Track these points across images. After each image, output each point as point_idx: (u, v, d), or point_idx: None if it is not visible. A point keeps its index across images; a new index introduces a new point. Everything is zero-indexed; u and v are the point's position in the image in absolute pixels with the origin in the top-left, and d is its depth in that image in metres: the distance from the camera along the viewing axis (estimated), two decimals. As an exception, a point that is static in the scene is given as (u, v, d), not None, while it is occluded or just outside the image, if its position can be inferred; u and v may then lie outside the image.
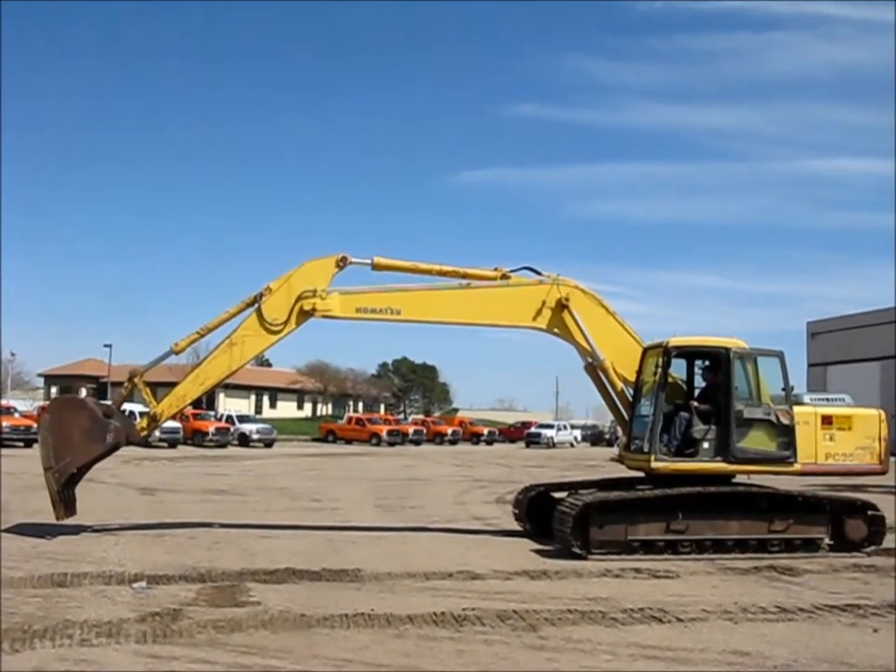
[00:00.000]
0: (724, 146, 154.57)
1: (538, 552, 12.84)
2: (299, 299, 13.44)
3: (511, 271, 14.40)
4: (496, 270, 14.33)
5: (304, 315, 13.52)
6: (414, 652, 7.32)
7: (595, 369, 14.28)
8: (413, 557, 12.10)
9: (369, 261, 14.02)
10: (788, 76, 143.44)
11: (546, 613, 8.74)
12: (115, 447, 13.32)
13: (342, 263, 13.71)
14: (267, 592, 9.55)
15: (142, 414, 42.21)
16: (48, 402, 11.76)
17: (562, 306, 13.90)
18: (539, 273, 14.35)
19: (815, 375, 68.22)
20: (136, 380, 13.69)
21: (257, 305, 13.47)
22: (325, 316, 13.60)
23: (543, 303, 13.97)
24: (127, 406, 46.68)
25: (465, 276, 14.28)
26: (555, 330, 14.07)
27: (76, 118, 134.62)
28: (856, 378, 59.37)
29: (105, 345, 73.96)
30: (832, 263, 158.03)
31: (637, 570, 11.37)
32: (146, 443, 13.33)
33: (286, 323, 13.51)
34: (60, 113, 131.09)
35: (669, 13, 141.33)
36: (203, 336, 13.65)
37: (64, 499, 13.07)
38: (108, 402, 13.25)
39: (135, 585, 9.65)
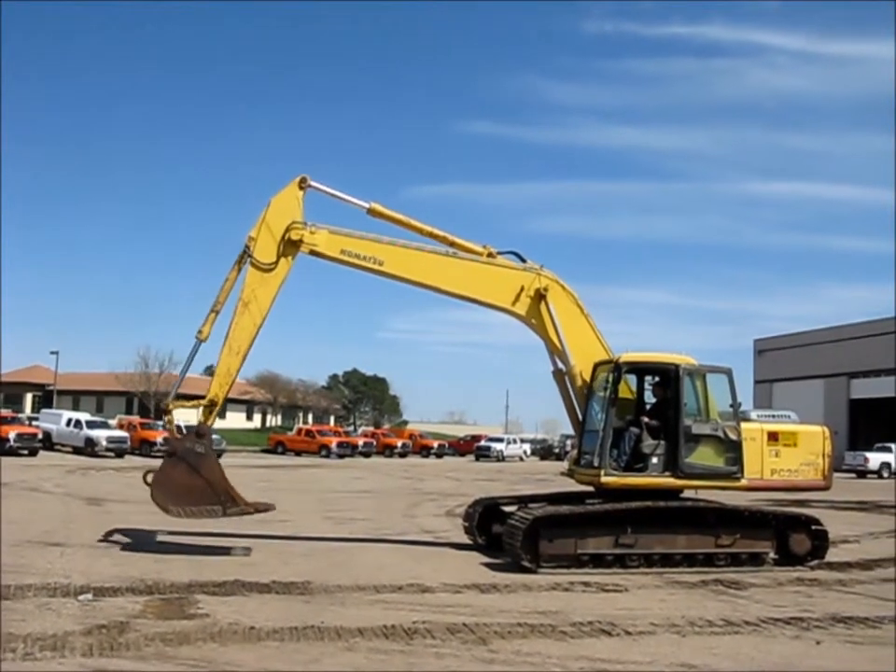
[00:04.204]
0: (673, 166, 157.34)
1: (487, 565, 12.85)
2: (287, 230, 13.38)
3: (499, 252, 14.44)
4: (484, 247, 14.37)
5: (293, 245, 13.41)
6: (365, 665, 7.31)
7: (562, 375, 14.33)
8: (362, 570, 12.06)
9: (329, 189, 13.98)
10: (732, 100, 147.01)
11: (496, 626, 8.76)
12: (205, 452, 13.12)
13: (303, 185, 13.66)
14: (216, 604, 9.46)
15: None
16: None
17: (540, 296, 13.96)
18: (524, 260, 14.42)
19: (761, 392, 69.35)
20: (170, 407, 13.65)
21: (248, 258, 13.40)
22: (311, 251, 13.56)
23: (523, 289, 13.99)
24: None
25: (453, 244, 14.29)
26: (532, 321, 14.08)
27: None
28: (801, 395, 60.51)
29: (52, 352, 73.19)
30: (778, 282, 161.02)
31: (587, 584, 11.43)
32: (210, 431, 13.00)
33: (279, 260, 13.42)
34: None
35: (618, 37, 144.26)
36: (218, 311, 13.39)
37: (243, 503, 13.06)
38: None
39: (81, 597, 9.50)
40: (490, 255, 14.32)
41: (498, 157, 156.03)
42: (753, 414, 13.96)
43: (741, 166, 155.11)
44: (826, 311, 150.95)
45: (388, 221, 14.34)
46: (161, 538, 14.08)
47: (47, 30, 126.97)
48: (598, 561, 12.47)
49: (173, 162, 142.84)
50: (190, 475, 12.74)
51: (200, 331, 13.29)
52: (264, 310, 13.42)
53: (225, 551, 13.28)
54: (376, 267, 13.80)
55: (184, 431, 14.09)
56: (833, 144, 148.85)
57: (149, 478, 12.88)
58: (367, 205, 14.15)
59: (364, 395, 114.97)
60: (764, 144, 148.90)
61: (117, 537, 14.25)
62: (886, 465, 51.86)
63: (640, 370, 14.01)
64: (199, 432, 13.15)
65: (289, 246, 13.43)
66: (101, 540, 13.88)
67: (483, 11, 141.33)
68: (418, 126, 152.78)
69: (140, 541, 13.84)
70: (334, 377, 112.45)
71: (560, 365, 14.33)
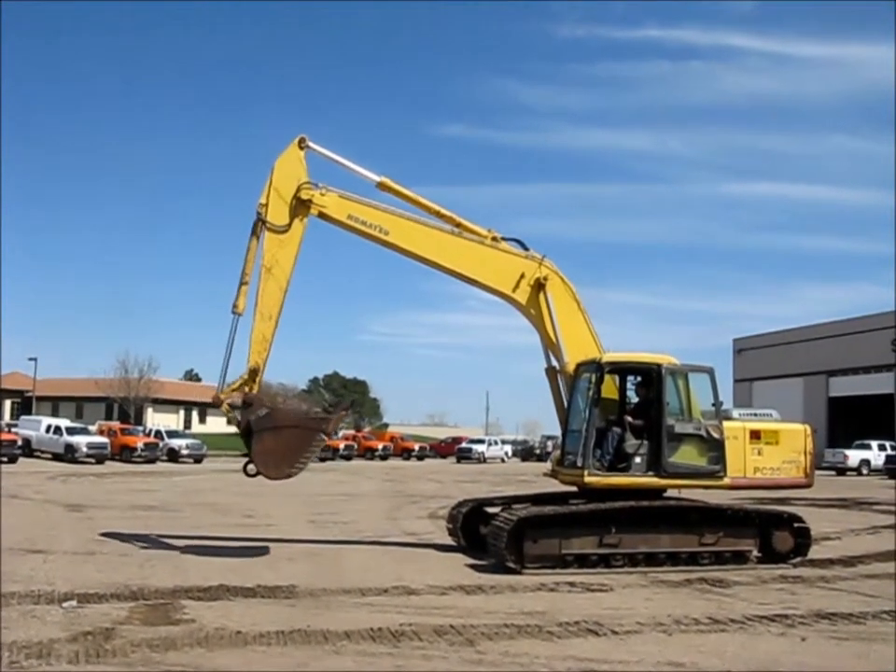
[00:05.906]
0: (647, 168, 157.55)
1: (472, 566, 12.86)
2: (298, 190, 13.48)
3: (503, 238, 14.44)
4: (489, 231, 14.37)
5: (303, 205, 13.51)
6: (353, 668, 7.30)
7: (555, 373, 14.34)
8: (347, 573, 12.05)
9: (329, 153, 14.07)
10: (705, 102, 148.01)
11: (483, 628, 8.76)
12: (269, 408, 13.50)
13: (303, 144, 13.77)
14: (201, 609, 9.43)
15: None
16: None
17: (539, 285, 14.00)
18: (527, 249, 14.44)
19: (740, 390, 69.72)
20: (222, 397, 13.66)
21: (262, 225, 13.42)
22: (320, 213, 13.65)
23: (523, 276, 14.06)
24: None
25: (459, 225, 14.32)
26: (531, 311, 14.13)
27: None
28: (780, 393, 60.84)
29: (30, 359, 72.63)
30: (754, 283, 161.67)
31: (572, 584, 11.45)
32: (256, 398, 13.42)
33: (292, 221, 13.50)
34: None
35: (591, 41, 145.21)
36: (247, 283, 13.43)
37: (333, 416, 14.57)
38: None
39: (65, 604, 9.45)
40: (494, 239, 14.33)
41: (473, 160, 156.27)
42: (735, 413, 14.02)
43: (715, 168, 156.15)
44: (803, 310, 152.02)
45: (397, 196, 14.40)
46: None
47: (46, 30, 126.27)
48: (583, 561, 12.50)
49: (153, 165, 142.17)
50: (278, 435, 12.96)
51: (235, 305, 13.36)
52: (287, 272, 13.51)
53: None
54: (381, 236, 13.86)
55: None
56: (807, 145, 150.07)
57: (251, 468, 13.10)
58: (377, 179, 14.23)
59: (344, 398, 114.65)
60: (738, 145, 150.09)
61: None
62: (865, 462, 52.28)
63: (623, 369, 14.04)
64: (246, 402, 13.28)
65: (300, 206, 13.54)
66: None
67: (455, 16, 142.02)
68: (393, 130, 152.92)
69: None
70: (314, 380, 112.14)
71: (553, 362, 14.34)
